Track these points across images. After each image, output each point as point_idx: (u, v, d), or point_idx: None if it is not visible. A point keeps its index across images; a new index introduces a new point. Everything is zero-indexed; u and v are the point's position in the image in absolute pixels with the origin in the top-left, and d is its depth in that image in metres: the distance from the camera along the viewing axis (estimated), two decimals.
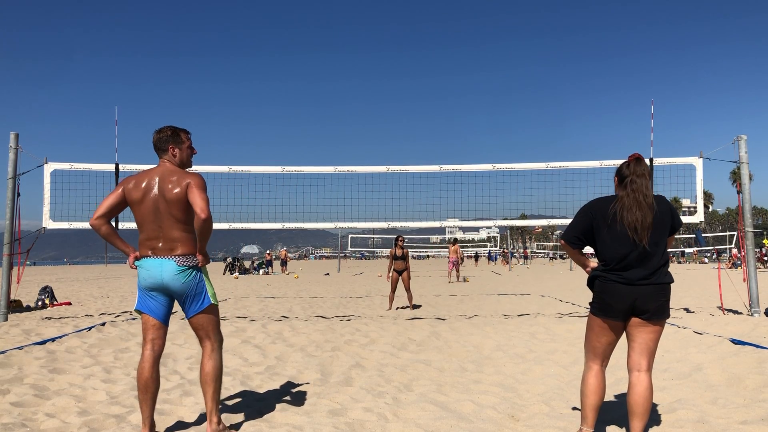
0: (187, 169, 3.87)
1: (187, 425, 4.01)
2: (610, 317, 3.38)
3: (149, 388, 3.63)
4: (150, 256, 3.66)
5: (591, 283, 3.48)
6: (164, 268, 3.62)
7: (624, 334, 3.50)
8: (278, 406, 4.46)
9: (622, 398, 4.44)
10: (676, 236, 3.53)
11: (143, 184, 3.69)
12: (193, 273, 3.68)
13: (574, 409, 4.28)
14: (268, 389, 5.02)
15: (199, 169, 10.94)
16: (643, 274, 3.30)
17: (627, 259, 3.30)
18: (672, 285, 3.39)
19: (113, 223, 3.80)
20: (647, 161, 10.08)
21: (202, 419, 4.10)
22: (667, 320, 3.61)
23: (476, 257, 53.58)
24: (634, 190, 3.34)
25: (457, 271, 23.98)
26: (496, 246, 63.88)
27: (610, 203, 3.39)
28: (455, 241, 24.65)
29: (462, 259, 24.04)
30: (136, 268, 3.74)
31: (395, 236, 12.18)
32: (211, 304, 3.74)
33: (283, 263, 37.54)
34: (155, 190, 3.68)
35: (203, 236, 3.67)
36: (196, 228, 3.64)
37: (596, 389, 3.43)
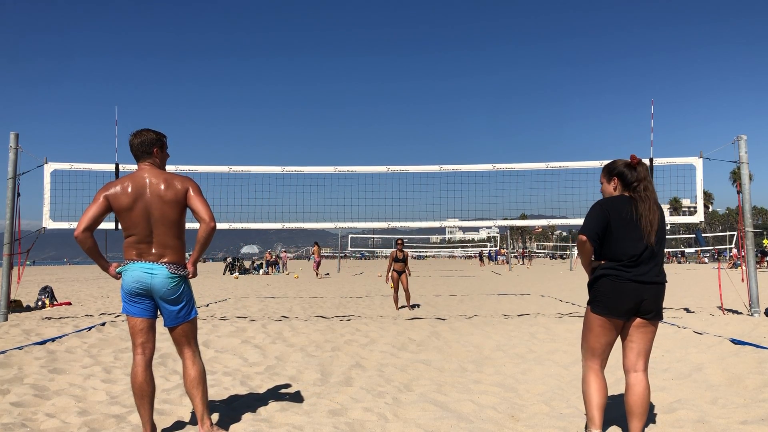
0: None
1: (186, 425, 4.01)
2: (616, 316, 3.37)
3: (146, 393, 3.61)
4: (137, 260, 3.55)
5: (594, 282, 3.44)
6: (155, 274, 3.54)
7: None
8: (278, 406, 4.45)
9: (621, 398, 4.43)
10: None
11: (131, 189, 3.54)
12: (183, 283, 3.65)
13: (575, 409, 4.28)
14: (268, 389, 5.02)
15: (200, 169, 10.93)
16: (651, 273, 3.34)
17: (640, 258, 3.34)
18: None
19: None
20: (647, 161, 10.09)
21: None
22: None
23: (481, 257, 53.64)
24: (650, 195, 3.40)
25: (318, 268, 29.37)
26: (495, 246, 63.98)
27: (625, 203, 3.40)
28: (316, 243, 30.10)
29: (320, 260, 30.49)
30: (119, 277, 3.62)
31: (396, 239, 12.32)
32: (196, 316, 3.76)
33: (273, 264, 37.65)
34: (147, 195, 3.55)
35: (204, 246, 3.64)
36: (201, 236, 3.58)
37: (599, 388, 3.43)
